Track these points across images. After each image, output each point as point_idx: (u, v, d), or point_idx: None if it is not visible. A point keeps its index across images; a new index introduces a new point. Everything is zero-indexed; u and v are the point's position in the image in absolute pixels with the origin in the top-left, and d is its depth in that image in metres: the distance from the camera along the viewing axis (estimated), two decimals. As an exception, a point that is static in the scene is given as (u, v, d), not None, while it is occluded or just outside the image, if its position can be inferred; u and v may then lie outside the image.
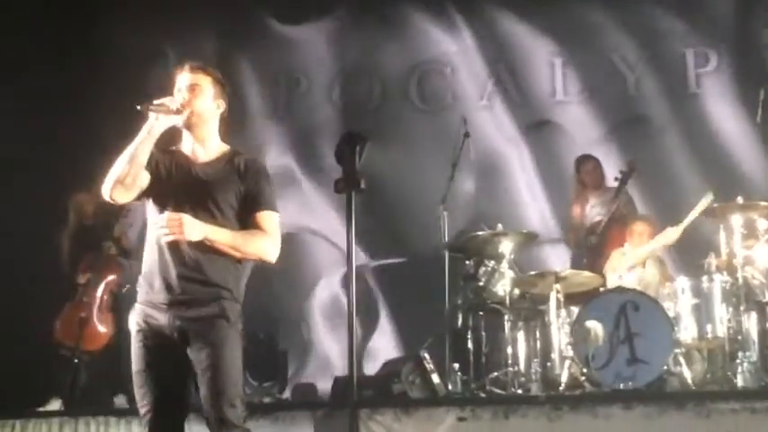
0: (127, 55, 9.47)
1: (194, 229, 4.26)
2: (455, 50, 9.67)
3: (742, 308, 6.63)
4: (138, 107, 4.34)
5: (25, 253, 8.10)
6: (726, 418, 5.40)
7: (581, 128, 9.37)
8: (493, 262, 7.25)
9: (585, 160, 8.59)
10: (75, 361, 7.32)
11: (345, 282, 5.63)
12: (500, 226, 7.33)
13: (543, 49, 9.53)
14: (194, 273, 4.34)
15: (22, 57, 8.55)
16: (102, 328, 7.50)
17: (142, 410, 4.36)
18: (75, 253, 7.89)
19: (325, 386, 8.07)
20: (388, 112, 9.71)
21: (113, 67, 9.28)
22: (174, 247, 4.34)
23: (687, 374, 6.50)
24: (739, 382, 6.39)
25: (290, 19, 9.90)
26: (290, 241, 9.33)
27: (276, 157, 9.67)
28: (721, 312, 6.67)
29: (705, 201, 7.15)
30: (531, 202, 8.97)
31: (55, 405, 7.05)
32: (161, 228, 4.26)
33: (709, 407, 5.49)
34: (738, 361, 6.46)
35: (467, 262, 7.40)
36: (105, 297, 7.60)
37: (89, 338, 7.40)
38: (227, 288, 4.39)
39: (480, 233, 7.41)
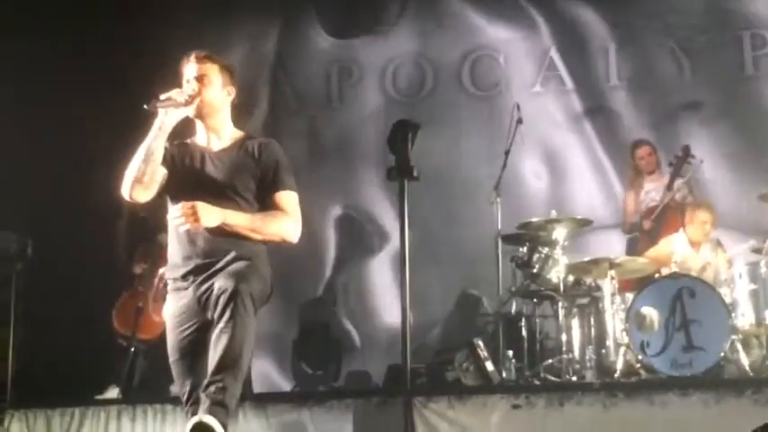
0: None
1: (210, 214, 4.28)
2: (508, 37, 9.61)
3: (800, 292, 6.55)
4: (146, 106, 4.36)
5: (84, 244, 8.20)
6: (785, 405, 5.32)
7: (635, 113, 9.27)
8: (547, 248, 7.21)
9: (640, 145, 8.52)
10: (132, 350, 7.43)
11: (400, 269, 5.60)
12: (554, 212, 7.29)
13: (597, 34, 9.44)
14: (216, 257, 4.37)
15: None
16: (156, 318, 7.57)
17: (183, 399, 4.43)
18: (130, 244, 8.00)
19: (378, 374, 8.11)
20: (440, 100, 9.68)
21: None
22: (194, 235, 4.37)
23: (745, 361, 6.41)
24: (798, 368, 6.32)
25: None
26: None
27: (330, 145, 9.72)
28: (779, 298, 6.58)
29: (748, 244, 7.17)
30: (585, 189, 8.90)
31: (113, 393, 7.15)
32: (177, 217, 4.28)
33: (767, 393, 5.41)
34: (796, 347, 6.39)
35: (520, 249, 7.38)
36: (160, 286, 7.68)
37: (145, 327, 7.50)
38: (256, 258, 4.39)
39: (534, 220, 7.38)
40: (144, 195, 4.42)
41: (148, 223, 7.88)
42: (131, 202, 4.45)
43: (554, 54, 9.54)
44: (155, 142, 4.38)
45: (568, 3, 9.48)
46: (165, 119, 4.39)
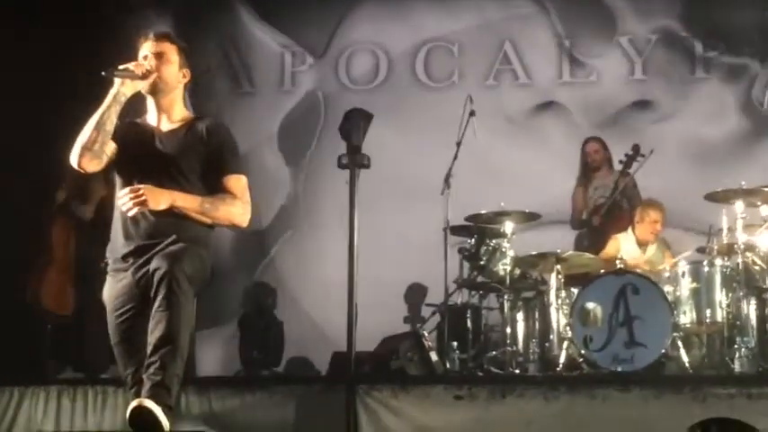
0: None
1: (159, 197, 4.27)
2: (462, 29, 9.63)
3: (741, 293, 6.65)
4: (104, 72, 4.35)
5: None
6: (722, 403, 5.39)
7: (586, 110, 9.34)
8: (494, 241, 7.26)
9: (590, 142, 8.58)
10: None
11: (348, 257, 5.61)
12: (502, 205, 7.33)
13: (551, 30, 9.49)
14: (158, 239, 4.34)
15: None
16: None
17: (126, 382, 4.41)
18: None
19: (320, 360, 8.10)
20: (393, 89, 9.67)
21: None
22: (140, 216, 4.34)
23: (685, 359, 6.51)
24: (736, 367, 6.41)
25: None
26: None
27: (281, 129, 9.68)
28: (721, 297, 6.68)
29: (688, 253, 7.26)
30: (536, 183, 8.94)
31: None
32: (125, 200, 4.26)
33: (705, 391, 5.47)
34: (736, 346, 6.49)
35: (468, 240, 7.41)
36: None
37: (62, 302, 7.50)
38: (197, 241, 4.38)
39: (482, 212, 7.41)
40: (92, 165, 4.39)
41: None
42: (79, 170, 4.41)
43: (508, 48, 9.57)
44: (108, 111, 4.36)
45: (522, -3, 9.54)
46: (121, 89, 4.39)
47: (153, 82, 4.46)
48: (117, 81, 4.38)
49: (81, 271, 7.49)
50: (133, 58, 4.52)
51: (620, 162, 8.23)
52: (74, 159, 4.38)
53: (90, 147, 4.34)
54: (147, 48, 4.52)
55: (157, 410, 4.04)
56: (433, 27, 9.69)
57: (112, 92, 4.38)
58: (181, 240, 4.31)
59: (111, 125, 4.36)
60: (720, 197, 6.93)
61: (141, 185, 4.26)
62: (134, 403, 4.09)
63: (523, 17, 9.56)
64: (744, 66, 9.09)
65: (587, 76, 9.44)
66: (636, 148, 8.17)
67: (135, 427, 4.08)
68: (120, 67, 4.39)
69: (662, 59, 9.29)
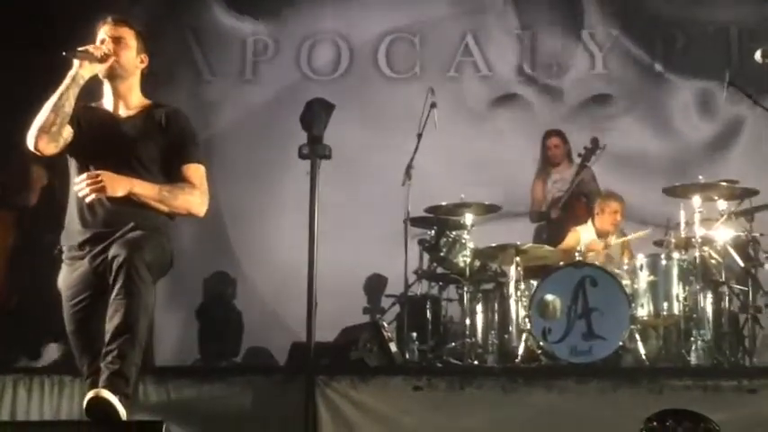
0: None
1: (117, 184, 4.23)
2: (424, 20, 9.64)
3: (698, 287, 6.72)
4: (64, 53, 4.32)
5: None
6: (678, 395, 5.44)
7: (547, 103, 9.39)
8: (454, 233, 7.28)
9: (551, 135, 8.62)
10: None
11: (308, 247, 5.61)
12: (462, 196, 7.34)
13: (512, 22, 9.53)
14: (115, 227, 4.31)
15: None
16: None
17: (82, 371, 4.38)
18: None
19: (279, 351, 8.09)
20: (355, 80, 9.67)
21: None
22: (97, 204, 4.30)
23: (642, 351, 6.56)
24: (693, 359, 6.49)
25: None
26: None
27: (242, 119, 9.64)
28: (678, 290, 6.73)
29: (643, 233, 7.35)
30: (495, 175, 8.97)
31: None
32: (82, 186, 4.22)
33: (662, 383, 5.53)
34: (692, 339, 6.56)
35: (428, 232, 7.42)
36: None
37: None
38: (156, 229, 4.35)
39: (443, 204, 7.42)
40: (49, 148, 4.34)
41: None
42: (35, 152, 4.36)
43: (469, 40, 9.59)
44: (66, 93, 4.32)
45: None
46: (80, 71, 4.34)
47: (110, 66, 4.43)
48: (75, 62, 4.34)
49: (28, 258, 7.38)
50: (91, 41, 4.48)
51: (579, 155, 8.28)
52: (30, 141, 4.32)
53: (48, 129, 4.29)
54: (104, 31, 4.49)
55: (114, 400, 4.01)
56: (395, 18, 9.70)
57: (71, 73, 4.35)
58: (139, 228, 4.28)
59: (69, 107, 4.32)
60: (678, 192, 7.00)
61: (99, 171, 4.22)
62: (91, 393, 4.05)
63: (485, 9, 9.60)
64: (701, 61, 9.16)
65: (548, 69, 9.49)
66: (595, 142, 8.23)
67: (92, 417, 4.05)
68: (80, 48, 4.36)
69: (623, 54, 9.34)
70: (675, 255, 6.81)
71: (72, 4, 8.24)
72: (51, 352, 7.07)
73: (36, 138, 4.31)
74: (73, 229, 4.40)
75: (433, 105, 7.91)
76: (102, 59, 4.39)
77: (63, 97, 4.31)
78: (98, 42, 4.47)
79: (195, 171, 4.46)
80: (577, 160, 8.29)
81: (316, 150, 5.54)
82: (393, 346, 6.91)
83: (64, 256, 4.45)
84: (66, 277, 4.41)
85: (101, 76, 4.45)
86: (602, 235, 7.70)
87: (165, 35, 9.33)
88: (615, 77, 9.38)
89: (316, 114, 5.66)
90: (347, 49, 9.76)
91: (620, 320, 6.55)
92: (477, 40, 9.58)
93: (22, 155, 7.21)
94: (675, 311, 6.72)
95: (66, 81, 4.33)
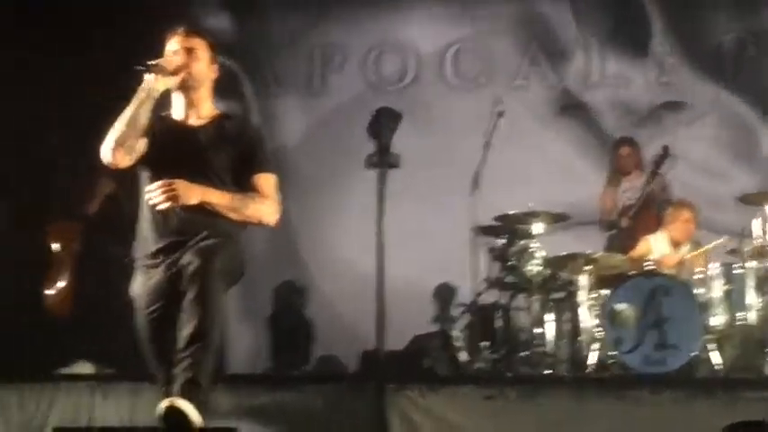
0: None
1: (190, 192, 4.25)
2: (491, 29, 9.62)
3: (774, 296, 6.60)
4: (137, 67, 4.34)
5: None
6: (754, 406, 5.35)
7: (616, 111, 9.31)
8: (524, 241, 7.24)
9: (622, 143, 8.55)
10: None
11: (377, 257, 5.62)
12: (531, 205, 7.30)
13: (580, 30, 9.47)
14: (189, 235, 4.33)
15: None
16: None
17: (157, 378, 4.42)
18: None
19: (349, 360, 8.11)
20: (422, 89, 9.67)
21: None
22: (170, 212, 4.32)
23: (716, 361, 6.46)
24: (768, 370, 6.38)
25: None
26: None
27: (309, 130, 9.70)
28: (753, 299, 6.62)
29: (718, 242, 7.23)
30: (564, 184, 8.91)
31: (83, 368, 7.09)
32: (155, 195, 4.24)
33: (737, 394, 5.46)
34: (768, 349, 6.45)
35: (497, 241, 7.40)
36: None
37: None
38: (228, 237, 4.37)
39: (512, 212, 7.39)
40: (124, 160, 4.36)
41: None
42: (111, 166, 4.40)
43: (537, 48, 9.55)
44: (140, 108, 4.34)
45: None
46: (154, 85, 4.36)
47: (183, 78, 4.44)
48: (148, 77, 4.35)
49: (92, 267, 7.49)
50: (160, 53, 4.52)
51: (650, 163, 8.20)
52: (106, 155, 4.35)
53: (123, 143, 4.31)
54: (176, 42, 4.51)
55: (189, 409, 4.03)
56: (461, 27, 9.68)
57: (144, 87, 4.36)
58: (212, 236, 4.31)
59: (144, 121, 4.34)
60: (754, 199, 6.90)
61: (173, 180, 4.25)
62: (165, 402, 4.08)
63: (553, 18, 9.53)
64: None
65: (617, 77, 9.41)
66: (665, 150, 8.13)
67: (167, 425, 4.09)
68: (152, 62, 4.38)
69: (692, 61, 9.24)
70: (751, 263, 6.70)
71: (142, 15, 8.34)
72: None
73: (112, 151, 4.32)
74: (146, 238, 4.44)
75: (501, 114, 7.89)
76: (175, 72, 4.41)
77: (137, 111, 4.33)
78: (170, 52, 4.50)
79: (267, 180, 4.47)
80: (648, 168, 8.20)
81: (383, 160, 5.55)
82: (463, 356, 6.89)
83: (137, 265, 4.48)
84: (141, 286, 4.45)
85: (173, 88, 4.48)
86: (674, 244, 7.60)
87: (233, 47, 9.42)
88: (685, 85, 9.26)
89: (383, 124, 5.68)
90: (414, 58, 9.77)
91: (693, 330, 6.47)
92: (544, 48, 9.53)
93: (91, 164, 7.39)
94: (751, 321, 6.61)
95: (141, 95, 4.35)
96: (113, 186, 7.56)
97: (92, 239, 7.54)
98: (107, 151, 4.34)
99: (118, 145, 4.32)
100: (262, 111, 9.56)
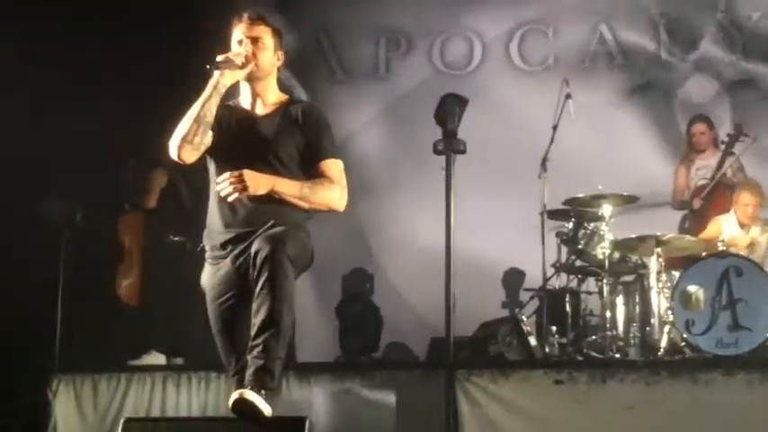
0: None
1: (259, 182, 4.25)
2: (557, 11, 9.53)
3: None
4: (208, 66, 4.34)
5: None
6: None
7: (687, 89, 9.18)
8: (592, 224, 7.20)
9: (697, 121, 8.42)
10: None
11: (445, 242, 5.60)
12: (600, 188, 7.24)
13: (648, 9, 9.34)
14: (256, 226, 4.34)
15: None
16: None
17: (229, 368, 4.45)
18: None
19: (418, 346, 8.12)
20: (488, 74, 9.63)
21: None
22: (238, 203, 4.34)
23: (790, 342, 6.36)
24: (844, 350, 6.26)
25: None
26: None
27: (376, 116, 9.71)
28: (826, 277, 6.50)
29: None
30: (634, 165, 8.82)
31: (154, 359, 7.20)
32: (224, 186, 4.25)
33: (812, 375, 5.36)
34: (844, 327, 6.32)
35: (566, 224, 7.36)
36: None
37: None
38: (296, 226, 4.38)
39: (580, 195, 7.34)
40: (192, 156, 4.39)
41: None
42: (180, 162, 4.43)
43: (603, 29, 9.44)
44: (208, 103, 4.35)
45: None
46: (221, 80, 4.37)
47: (251, 69, 4.45)
48: (216, 72, 4.37)
49: (156, 258, 7.61)
50: (227, 41, 4.52)
51: (722, 143, 8.08)
52: (173, 151, 4.37)
53: (191, 139, 4.33)
54: (241, 31, 4.50)
55: (259, 401, 4.06)
56: (526, 10, 9.61)
57: (212, 83, 4.37)
58: (279, 225, 4.32)
59: (211, 116, 4.35)
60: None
61: (242, 171, 4.26)
62: (236, 395, 4.10)
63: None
64: None
65: (686, 55, 9.26)
66: (738, 128, 8.03)
67: (238, 416, 4.14)
68: (220, 58, 4.37)
69: (762, 37, 9.06)
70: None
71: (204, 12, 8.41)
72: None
73: (179, 148, 4.35)
74: (215, 229, 4.46)
75: (568, 96, 7.84)
76: (243, 65, 4.41)
77: (205, 107, 4.34)
78: (235, 43, 4.51)
79: (333, 166, 4.46)
80: (721, 147, 8.08)
81: (450, 145, 5.53)
82: (533, 340, 6.87)
83: (207, 256, 4.52)
84: (210, 277, 4.47)
85: (241, 80, 4.50)
86: (743, 225, 7.49)
87: (299, 35, 9.47)
88: (758, 60, 9.08)
89: (449, 109, 5.65)
90: (479, 42, 9.72)
91: (767, 311, 6.36)
92: (611, 28, 9.42)
93: (149, 157, 7.45)
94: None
95: (208, 90, 4.36)
96: (167, 178, 7.66)
97: (154, 232, 7.65)
98: (174, 148, 4.37)
99: (185, 142, 4.34)
100: (327, 99, 9.58)
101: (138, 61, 8.41)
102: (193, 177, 6.58)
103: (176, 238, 7.31)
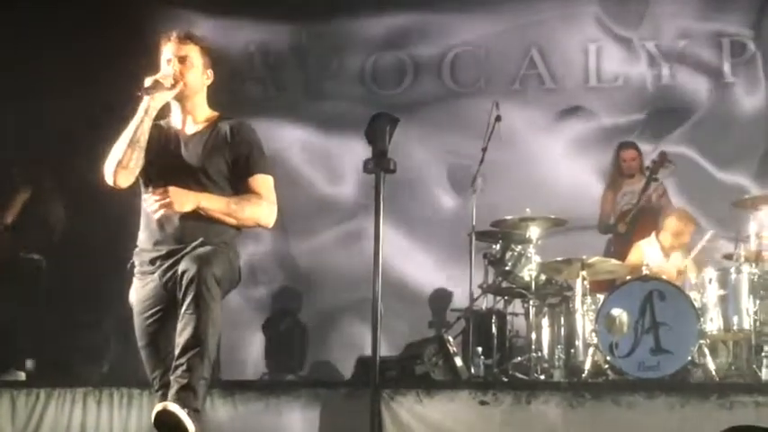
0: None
1: (184, 199, 4.26)
2: (489, 33, 9.61)
3: (769, 300, 6.59)
4: (139, 93, 4.34)
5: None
6: (749, 411, 5.35)
7: (613, 115, 9.30)
8: (520, 246, 7.26)
9: (627, 147, 8.53)
10: None
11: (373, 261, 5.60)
12: (528, 211, 7.31)
13: (577, 35, 9.46)
14: (185, 243, 4.34)
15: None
16: None
17: (153, 384, 4.42)
18: None
19: (344, 365, 8.10)
20: (420, 94, 9.67)
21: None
22: (166, 220, 4.34)
23: (711, 366, 6.46)
24: (763, 375, 6.36)
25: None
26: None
27: (307, 135, 9.70)
28: (748, 304, 6.61)
29: (708, 236, 7.24)
30: (562, 188, 8.91)
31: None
32: (150, 203, 4.26)
33: (732, 399, 5.44)
34: (764, 354, 6.43)
35: (494, 246, 7.41)
36: None
37: None
38: (225, 244, 4.37)
39: (508, 217, 7.39)
40: (127, 180, 4.39)
41: None
42: (114, 186, 4.41)
43: (534, 53, 9.54)
44: (141, 126, 4.36)
45: (548, 3, 9.48)
46: (152, 103, 4.37)
47: (179, 89, 4.45)
48: (146, 96, 4.37)
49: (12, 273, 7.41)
50: (154, 59, 4.50)
51: (647, 168, 8.20)
52: (109, 177, 4.37)
53: (126, 164, 4.34)
54: (169, 50, 4.50)
55: (182, 414, 4.04)
56: (460, 32, 9.67)
57: (143, 106, 4.37)
58: (208, 243, 4.31)
59: (144, 140, 4.36)
60: (748, 204, 6.91)
61: (168, 187, 4.25)
62: (159, 407, 4.09)
63: (550, 22, 9.52)
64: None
65: (614, 81, 9.40)
66: (662, 155, 8.15)
67: (160, 430, 4.09)
68: (148, 82, 4.37)
69: (690, 64, 9.22)
70: (745, 268, 6.69)
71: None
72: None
73: (114, 174, 4.35)
74: (144, 247, 4.45)
75: (498, 119, 7.90)
76: (172, 86, 4.41)
77: (138, 131, 4.35)
78: (164, 61, 4.49)
79: (263, 182, 4.46)
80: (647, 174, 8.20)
81: (380, 164, 5.51)
82: (458, 361, 6.88)
83: (135, 271, 4.49)
84: (138, 291, 4.45)
85: (169, 100, 4.48)
86: (665, 250, 7.59)
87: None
88: (683, 89, 9.24)
89: (380, 128, 5.64)
90: (411, 63, 9.76)
91: (688, 335, 6.46)
92: (541, 52, 9.52)
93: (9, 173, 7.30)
94: (746, 326, 6.60)
95: (140, 114, 4.36)
96: (29, 194, 7.51)
97: (8, 248, 7.46)
98: (109, 175, 4.37)
99: (120, 167, 4.34)
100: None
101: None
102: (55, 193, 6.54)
103: (34, 257, 7.18)
